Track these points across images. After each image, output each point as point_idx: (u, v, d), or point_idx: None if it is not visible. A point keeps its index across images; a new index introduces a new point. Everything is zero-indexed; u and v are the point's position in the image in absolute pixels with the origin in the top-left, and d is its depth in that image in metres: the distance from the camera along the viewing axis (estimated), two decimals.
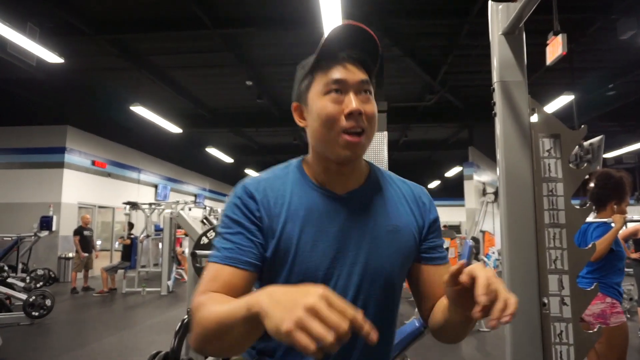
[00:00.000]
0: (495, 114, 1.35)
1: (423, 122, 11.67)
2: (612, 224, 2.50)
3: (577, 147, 7.57)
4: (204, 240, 2.73)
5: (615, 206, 2.51)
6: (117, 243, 10.19)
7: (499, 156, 1.35)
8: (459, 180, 12.88)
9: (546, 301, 1.27)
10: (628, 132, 12.74)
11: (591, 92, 9.49)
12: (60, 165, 9.99)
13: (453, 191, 16.88)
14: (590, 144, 7.74)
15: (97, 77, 9.16)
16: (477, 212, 9.34)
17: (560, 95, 7.81)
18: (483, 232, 7.11)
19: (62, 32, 6.73)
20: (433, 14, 6.58)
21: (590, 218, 2.58)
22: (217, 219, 14.18)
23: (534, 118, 1.34)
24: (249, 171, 18.04)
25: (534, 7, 1.27)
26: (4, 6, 5.63)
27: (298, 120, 0.94)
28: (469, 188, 11.54)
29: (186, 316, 3.04)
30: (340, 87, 0.85)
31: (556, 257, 1.29)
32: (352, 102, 0.83)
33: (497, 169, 1.36)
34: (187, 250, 7.95)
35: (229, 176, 20.31)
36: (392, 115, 7.58)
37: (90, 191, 10.90)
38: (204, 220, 3.36)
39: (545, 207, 1.30)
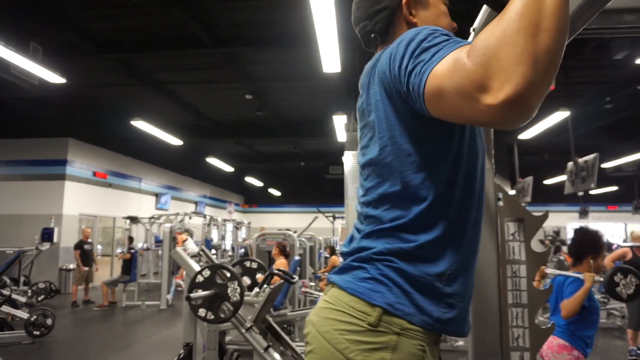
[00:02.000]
0: None
1: None
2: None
3: (571, 164, 7.62)
4: (199, 278, 2.82)
5: (591, 260, 2.59)
6: (116, 256, 10.27)
7: None
8: None
9: None
10: (626, 142, 12.81)
11: (588, 105, 9.57)
12: (62, 177, 10.11)
13: None
14: (585, 162, 7.81)
15: (99, 92, 9.30)
16: None
17: (556, 111, 7.89)
18: None
19: (65, 51, 6.87)
20: None
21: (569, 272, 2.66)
22: (216, 226, 14.35)
23: (500, 202, 1.43)
24: (250, 179, 18.14)
25: None
26: (7, 25, 5.75)
27: (406, 13, 0.99)
28: None
29: (182, 351, 3.14)
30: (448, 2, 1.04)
31: (518, 335, 1.38)
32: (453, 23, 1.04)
33: None
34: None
35: (230, 183, 20.44)
36: None
37: (91, 202, 11.02)
38: (201, 252, 3.44)
39: (509, 288, 1.39)
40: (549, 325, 1.43)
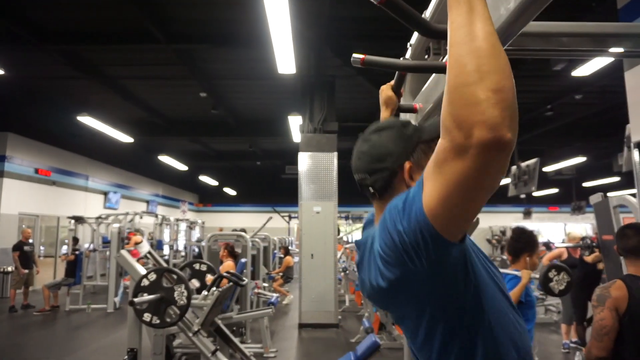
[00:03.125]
0: None
1: None
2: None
3: (515, 167, 8.01)
4: (145, 282, 2.76)
5: (527, 258, 2.75)
6: (60, 258, 9.78)
7: None
8: None
9: None
10: (565, 148, 13.64)
11: (531, 111, 10.11)
12: (0, 174, 9.51)
13: None
14: (527, 166, 8.24)
15: (43, 85, 8.82)
16: None
17: None
18: None
19: (4, 40, 6.46)
20: (382, 38, 6.82)
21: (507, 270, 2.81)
22: (168, 226, 13.97)
23: None
24: (205, 177, 17.79)
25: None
26: None
27: (407, 178, 0.95)
28: None
29: (126, 357, 3.05)
30: None
31: None
32: None
33: None
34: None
35: (184, 182, 19.95)
36: (345, 131, 7.77)
37: (33, 200, 10.43)
38: (148, 255, 3.35)
39: None
40: None
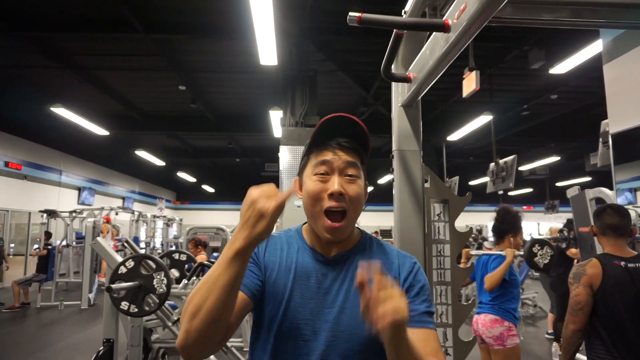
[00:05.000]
0: (393, 180, 1.48)
1: None
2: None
3: (493, 164, 8.14)
4: (122, 269, 2.66)
5: (512, 238, 2.78)
6: (31, 253, 9.46)
7: (395, 219, 1.47)
8: (391, 187, 13.31)
9: None
10: (540, 147, 13.95)
11: (509, 110, 10.29)
12: None
13: (385, 197, 17.43)
14: (505, 162, 8.37)
15: (13, 73, 8.50)
16: None
17: (480, 115, 8.39)
18: None
19: None
20: (365, 33, 6.82)
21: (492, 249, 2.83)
22: (145, 223, 13.67)
23: (427, 184, 1.48)
24: (182, 174, 17.50)
25: (430, 86, 1.39)
26: None
27: (298, 193, 1.01)
28: None
29: (102, 347, 2.94)
30: (327, 170, 0.95)
31: (442, 312, 1.43)
32: (334, 184, 0.93)
33: (393, 230, 1.49)
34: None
35: (161, 178, 19.58)
36: None
37: (2, 195, 10.05)
38: (125, 244, 3.25)
39: (434, 267, 1.45)
40: (470, 302, 1.50)
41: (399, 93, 1.53)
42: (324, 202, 0.93)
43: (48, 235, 8.23)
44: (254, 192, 0.80)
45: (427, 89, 1.41)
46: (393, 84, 1.54)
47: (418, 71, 1.32)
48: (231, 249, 0.80)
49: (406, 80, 1.36)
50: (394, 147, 1.49)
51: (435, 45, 1.19)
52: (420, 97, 1.45)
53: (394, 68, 1.38)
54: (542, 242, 2.61)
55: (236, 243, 0.79)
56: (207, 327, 0.79)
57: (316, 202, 0.94)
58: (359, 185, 0.96)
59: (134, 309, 2.65)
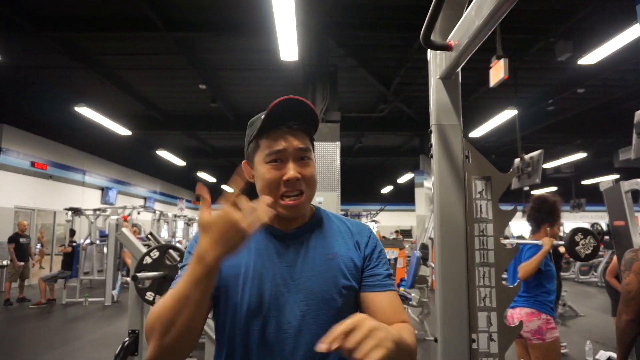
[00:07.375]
0: (432, 156, 1.40)
1: (377, 130, 11.89)
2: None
3: (518, 160, 7.95)
4: (147, 260, 2.64)
5: (548, 228, 2.66)
6: (57, 250, 9.64)
7: (435, 197, 1.39)
8: (411, 186, 13.19)
9: (475, 337, 1.32)
10: (566, 144, 13.59)
11: (533, 106, 10.04)
12: None
13: (405, 196, 17.31)
14: (531, 158, 8.17)
15: (38, 74, 8.66)
16: (426, 219, 9.62)
17: (504, 110, 8.20)
18: (432, 238, 7.34)
19: None
20: (387, 27, 6.72)
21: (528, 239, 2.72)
22: (166, 223, 13.81)
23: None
24: (202, 174, 17.64)
25: (471, 55, 1.31)
26: None
27: (248, 177, 1.02)
28: (420, 195, 11.87)
29: (127, 338, 2.93)
30: (281, 157, 0.96)
31: (485, 295, 1.35)
32: (290, 170, 0.95)
33: (433, 208, 1.41)
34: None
35: (181, 178, 19.79)
36: (345, 124, 7.68)
37: (29, 194, 10.26)
38: (149, 236, 3.25)
39: (477, 247, 1.36)
40: (515, 285, 1.41)
41: (436, 65, 1.45)
42: (281, 187, 0.96)
43: (72, 232, 8.37)
44: (233, 212, 0.78)
45: (467, 59, 1.33)
46: (430, 56, 1.46)
47: (460, 37, 1.24)
48: (202, 265, 0.76)
49: (446, 48, 1.28)
50: (432, 122, 1.42)
51: (482, 4, 1.11)
52: (459, 67, 1.37)
53: (432, 37, 1.30)
54: (585, 231, 2.48)
55: (208, 259, 0.76)
56: (181, 342, 0.79)
57: (273, 189, 0.96)
58: (312, 166, 1.00)
59: (159, 299, 2.62)
